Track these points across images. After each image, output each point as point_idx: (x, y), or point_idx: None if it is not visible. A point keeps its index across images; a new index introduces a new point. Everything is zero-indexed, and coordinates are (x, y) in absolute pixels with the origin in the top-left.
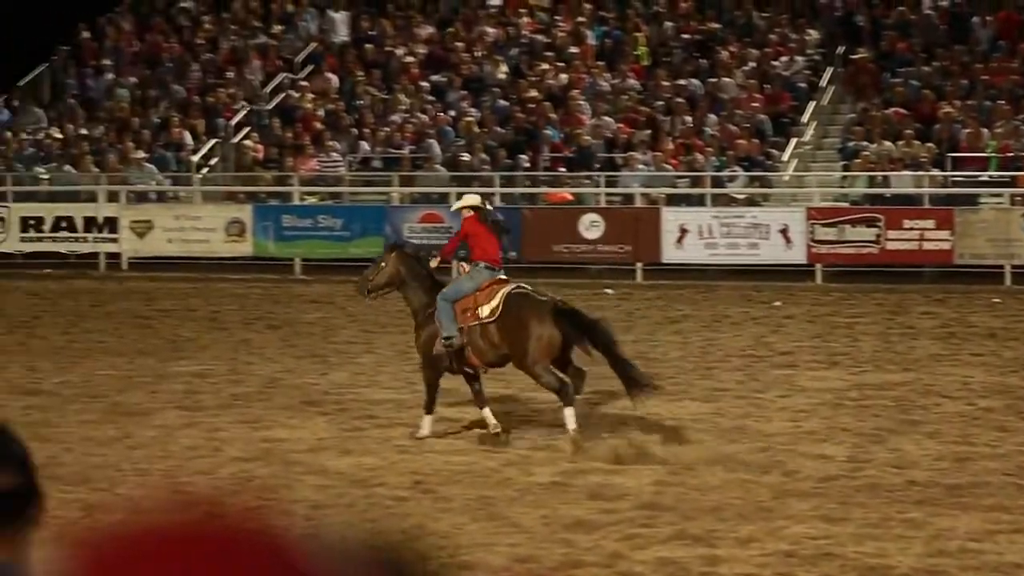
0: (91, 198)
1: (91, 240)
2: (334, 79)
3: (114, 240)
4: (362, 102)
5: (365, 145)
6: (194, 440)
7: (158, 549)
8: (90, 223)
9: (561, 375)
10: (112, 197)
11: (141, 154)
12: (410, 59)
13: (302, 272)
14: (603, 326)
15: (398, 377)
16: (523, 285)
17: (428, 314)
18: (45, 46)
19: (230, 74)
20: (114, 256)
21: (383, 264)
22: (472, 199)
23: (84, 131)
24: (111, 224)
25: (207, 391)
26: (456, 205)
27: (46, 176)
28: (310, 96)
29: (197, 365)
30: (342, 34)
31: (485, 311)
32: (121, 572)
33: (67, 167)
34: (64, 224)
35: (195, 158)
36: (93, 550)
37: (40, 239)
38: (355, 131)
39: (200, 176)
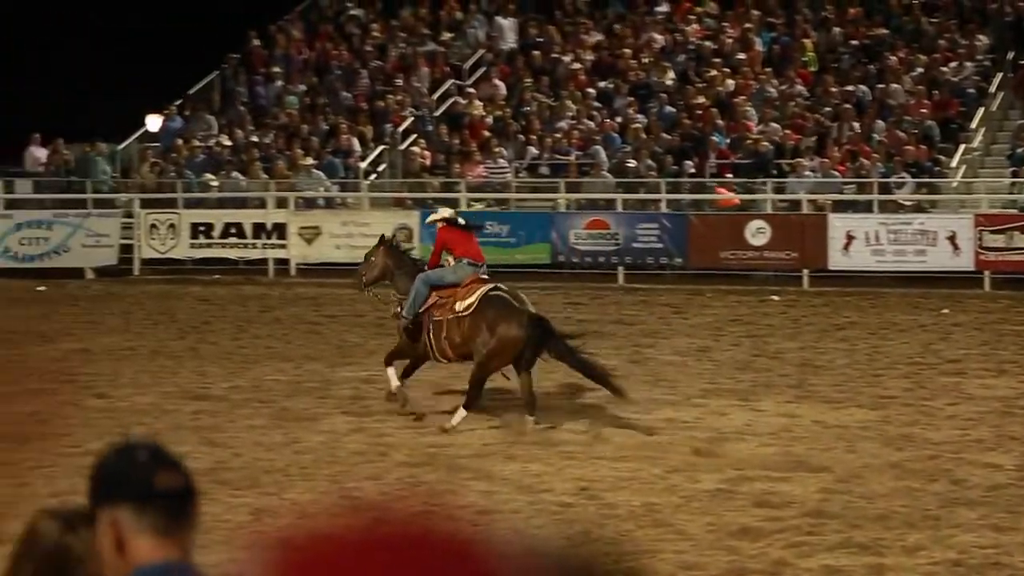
0: (260, 204)
1: (260, 246)
2: (501, 86)
3: (283, 246)
4: (529, 108)
5: (533, 151)
6: (361, 445)
7: (341, 553)
8: (259, 229)
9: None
10: (281, 203)
11: (310, 160)
12: (577, 65)
13: None
14: (568, 345)
15: (564, 383)
16: (500, 286)
17: None
18: (216, 53)
19: (398, 81)
20: (283, 262)
21: (373, 259)
22: (445, 212)
23: (254, 138)
24: (280, 230)
25: (374, 396)
26: (431, 217)
27: (216, 183)
28: (477, 102)
29: (364, 371)
30: (510, 41)
31: (460, 306)
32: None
33: (235, 174)
34: (233, 230)
35: (363, 164)
36: (274, 552)
37: (210, 245)
38: (522, 137)
39: (368, 182)
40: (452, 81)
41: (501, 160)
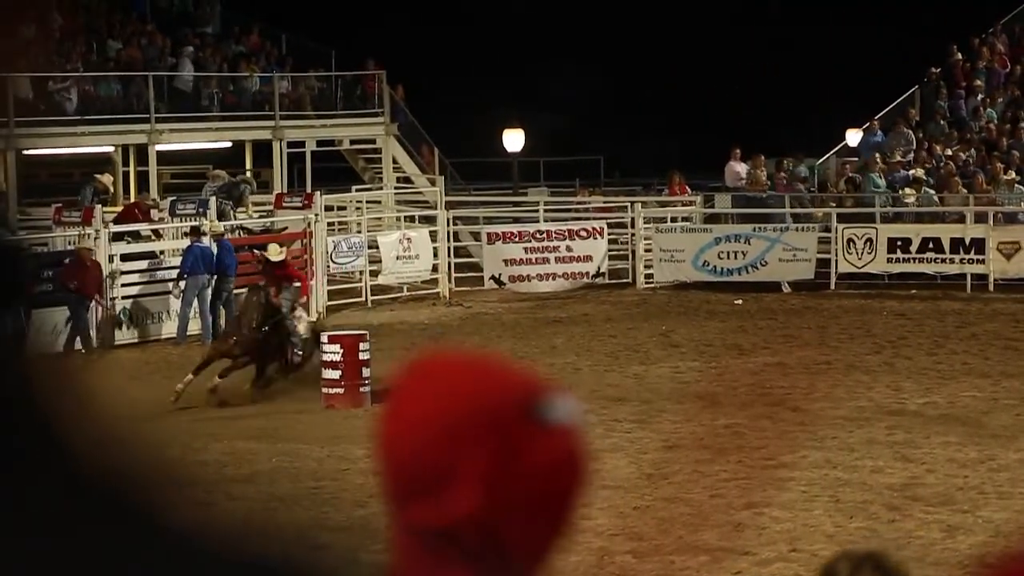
0: (959, 219)
1: (958, 261)
2: None
3: (981, 261)
4: None
5: None
6: None
7: None
8: (957, 244)
9: None
10: (979, 218)
11: (1011, 175)
12: None
13: None
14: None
15: None
16: None
17: None
18: (917, 67)
19: None
20: (980, 278)
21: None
22: (279, 249)
23: (947, 151)
24: (978, 245)
25: None
26: (276, 259)
27: (912, 198)
28: None
29: None
30: None
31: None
32: None
33: (925, 189)
34: (931, 245)
35: None
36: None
37: (907, 260)
38: None
39: None
40: None
41: None
